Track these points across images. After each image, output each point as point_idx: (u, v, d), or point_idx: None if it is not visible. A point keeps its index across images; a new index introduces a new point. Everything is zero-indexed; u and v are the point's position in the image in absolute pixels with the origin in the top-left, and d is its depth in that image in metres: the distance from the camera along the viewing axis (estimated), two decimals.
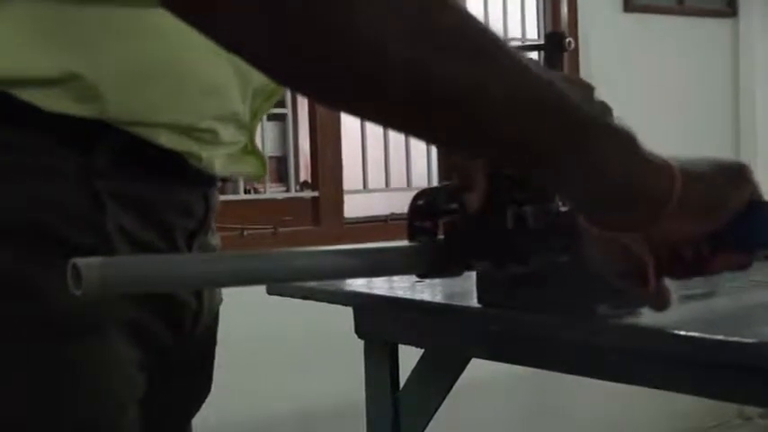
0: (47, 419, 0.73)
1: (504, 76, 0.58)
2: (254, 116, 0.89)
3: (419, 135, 0.61)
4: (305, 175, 3.06)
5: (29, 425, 0.72)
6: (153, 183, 0.79)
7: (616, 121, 0.63)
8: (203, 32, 0.54)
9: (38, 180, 0.73)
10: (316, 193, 2.88)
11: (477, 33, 0.58)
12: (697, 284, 1.35)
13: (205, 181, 0.85)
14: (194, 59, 0.54)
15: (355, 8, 0.52)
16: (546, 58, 0.97)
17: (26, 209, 0.72)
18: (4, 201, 0.72)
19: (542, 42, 0.98)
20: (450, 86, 0.56)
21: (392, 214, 2.97)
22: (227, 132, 0.84)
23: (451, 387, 1.46)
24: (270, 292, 1.48)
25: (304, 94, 0.62)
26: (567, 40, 0.96)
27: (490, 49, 0.58)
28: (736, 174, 0.67)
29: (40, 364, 0.72)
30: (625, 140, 0.62)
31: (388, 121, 0.60)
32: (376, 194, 3.06)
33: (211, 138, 0.82)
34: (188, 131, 0.80)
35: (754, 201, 0.67)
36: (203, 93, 0.79)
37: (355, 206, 3.02)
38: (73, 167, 0.74)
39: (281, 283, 1.40)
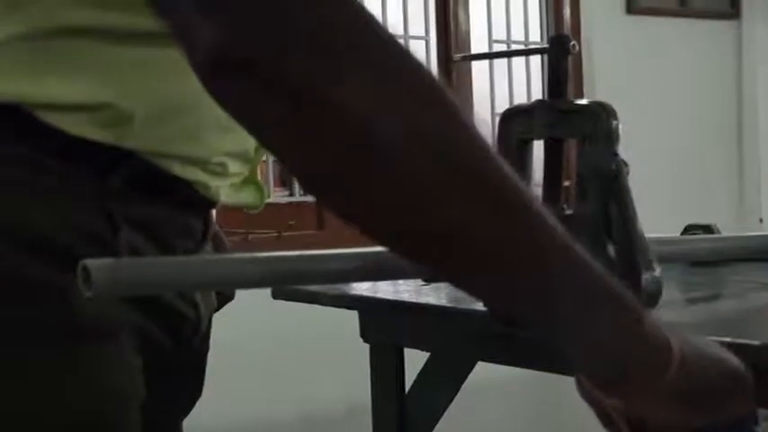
0: (58, 417, 0.75)
1: (502, 217, 0.57)
2: (257, 150, 0.91)
3: (394, 246, 0.60)
4: None
5: (39, 421, 0.74)
6: (159, 206, 0.82)
7: (622, 289, 0.61)
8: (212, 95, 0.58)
9: (56, 199, 0.75)
10: None
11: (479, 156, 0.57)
12: (702, 286, 1.35)
13: (205, 204, 0.88)
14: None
15: (364, 111, 0.54)
16: (550, 62, 0.97)
17: (44, 227, 0.75)
18: (24, 217, 0.74)
19: (547, 46, 0.98)
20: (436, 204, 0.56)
21: None
22: (234, 165, 0.87)
23: (458, 390, 1.46)
24: (275, 297, 1.48)
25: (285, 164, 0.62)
26: (572, 43, 0.97)
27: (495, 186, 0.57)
28: (739, 382, 0.64)
29: (54, 364, 0.75)
30: (627, 308, 0.61)
31: (380, 235, 0.59)
32: None
33: (221, 170, 0.85)
34: (200, 164, 0.83)
35: (747, 420, 0.64)
36: (221, 130, 0.82)
37: None
38: (89, 189, 0.77)
39: (287, 287, 1.40)
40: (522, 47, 3.29)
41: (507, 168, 0.57)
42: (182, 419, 0.97)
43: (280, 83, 0.55)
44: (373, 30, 0.57)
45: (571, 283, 0.59)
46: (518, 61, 3.23)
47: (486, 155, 0.57)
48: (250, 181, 0.94)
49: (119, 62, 0.76)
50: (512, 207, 0.57)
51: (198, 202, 0.86)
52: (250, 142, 0.88)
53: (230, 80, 0.56)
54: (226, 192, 0.88)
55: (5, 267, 0.73)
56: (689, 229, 1.47)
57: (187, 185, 0.83)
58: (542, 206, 0.58)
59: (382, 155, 0.55)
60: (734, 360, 0.65)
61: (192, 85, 0.59)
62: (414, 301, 1.30)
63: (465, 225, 0.56)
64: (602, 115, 1.01)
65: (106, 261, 0.60)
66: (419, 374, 1.47)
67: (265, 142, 0.60)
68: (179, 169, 0.81)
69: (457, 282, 0.61)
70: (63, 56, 0.75)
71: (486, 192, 0.57)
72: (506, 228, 0.57)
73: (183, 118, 0.80)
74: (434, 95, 0.57)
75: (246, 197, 0.95)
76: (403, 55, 0.58)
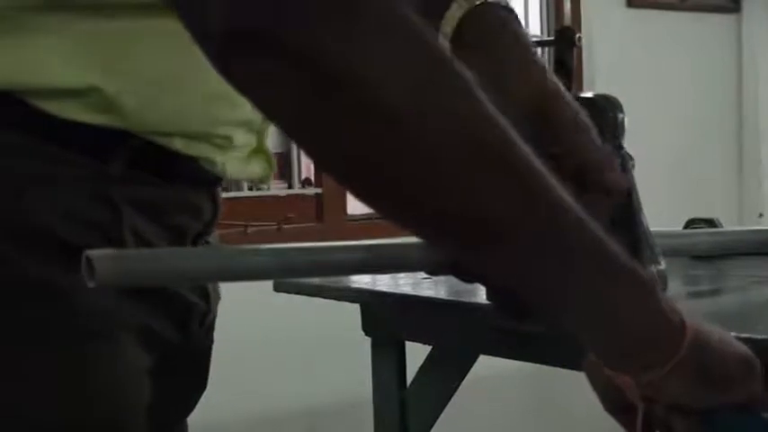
0: (63, 419, 0.73)
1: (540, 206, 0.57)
2: (265, 119, 0.88)
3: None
4: (307, 171, 3.05)
5: (42, 425, 0.73)
6: (165, 186, 0.79)
7: (637, 264, 0.62)
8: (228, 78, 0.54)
9: (54, 188, 0.73)
10: (319, 190, 2.88)
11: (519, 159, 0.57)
12: (704, 280, 1.35)
13: (211, 181, 0.85)
14: (209, 68, 0.54)
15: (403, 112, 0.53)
16: (556, 55, 0.97)
17: (42, 217, 0.73)
18: (23, 209, 0.72)
19: (552, 38, 0.98)
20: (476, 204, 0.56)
21: None
22: (239, 136, 0.84)
23: (459, 384, 1.46)
24: (277, 289, 1.48)
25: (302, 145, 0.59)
26: (578, 35, 0.96)
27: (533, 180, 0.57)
28: (750, 367, 0.65)
29: (57, 365, 0.73)
30: (643, 282, 0.61)
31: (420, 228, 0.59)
32: None
33: (225, 143, 0.82)
34: (204, 138, 0.80)
35: (755, 408, 0.65)
36: (219, 100, 0.79)
37: (358, 203, 3.01)
38: (89, 175, 0.75)
39: (289, 280, 1.40)
40: None
41: (525, 145, 0.57)
42: (186, 414, 0.95)
43: (291, 56, 0.51)
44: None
45: (590, 258, 0.59)
46: None
47: (507, 133, 0.57)
48: (258, 151, 0.90)
49: (103, 40, 0.73)
50: (535, 185, 0.57)
51: (204, 179, 0.83)
52: (252, 111, 0.83)
53: (239, 55, 0.52)
54: (233, 166, 0.85)
55: (5, 268, 0.71)
56: (691, 223, 1.47)
57: (192, 162, 0.80)
58: (560, 185, 0.58)
59: (400, 132, 0.53)
60: (744, 347, 0.66)
61: (185, 59, 0.57)
62: (415, 294, 1.30)
63: (489, 203, 0.56)
64: (608, 108, 1.01)
65: (109, 252, 0.60)
66: (420, 368, 1.46)
67: (279, 122, 0.57)
68: (181, 145, 0.78)
69: (476, 260, 0.61)
70: (47, 36, 0.72)
71: (511, 171, 0.56)
72: (530, 206, 0.57)
73: (176, 93, 0.77)
74: (449, 68, 0.56)
75: (255, 169, 0.91)
76: (424, 33, 0.55)
